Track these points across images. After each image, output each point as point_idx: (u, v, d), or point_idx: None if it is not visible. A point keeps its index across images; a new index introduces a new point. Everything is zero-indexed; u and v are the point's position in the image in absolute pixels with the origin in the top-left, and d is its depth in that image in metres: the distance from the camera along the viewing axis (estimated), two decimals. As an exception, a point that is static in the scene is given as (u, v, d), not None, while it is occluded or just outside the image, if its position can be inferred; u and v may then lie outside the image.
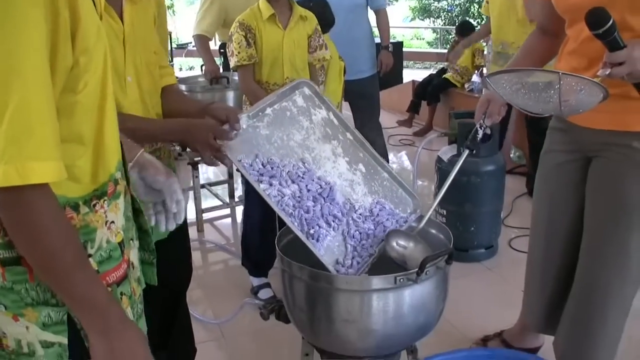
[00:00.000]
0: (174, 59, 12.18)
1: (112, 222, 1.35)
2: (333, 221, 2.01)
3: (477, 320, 3.33)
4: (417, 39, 21.09)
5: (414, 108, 7.86)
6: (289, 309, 2.12)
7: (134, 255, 1.52)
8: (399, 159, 6.89)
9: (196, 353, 2.72)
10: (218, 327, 3.43)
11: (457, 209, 4.08)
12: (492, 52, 5.40)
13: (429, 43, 20.15)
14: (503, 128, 5.33)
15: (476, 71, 7.44)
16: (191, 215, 4.75)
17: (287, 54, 3.46)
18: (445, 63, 7.97)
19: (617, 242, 2.21)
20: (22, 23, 1.07)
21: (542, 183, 2.56)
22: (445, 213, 4.14)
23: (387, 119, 7.34)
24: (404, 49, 9.52)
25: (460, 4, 19.44)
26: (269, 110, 2.08)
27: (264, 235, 3.54)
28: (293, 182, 1.99)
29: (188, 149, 4.44)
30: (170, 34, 11.83)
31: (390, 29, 5.55)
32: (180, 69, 13.84)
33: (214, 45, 7.01)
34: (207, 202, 5.29)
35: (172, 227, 1.81)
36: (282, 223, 2.00)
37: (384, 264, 2.01)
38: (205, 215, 5.01)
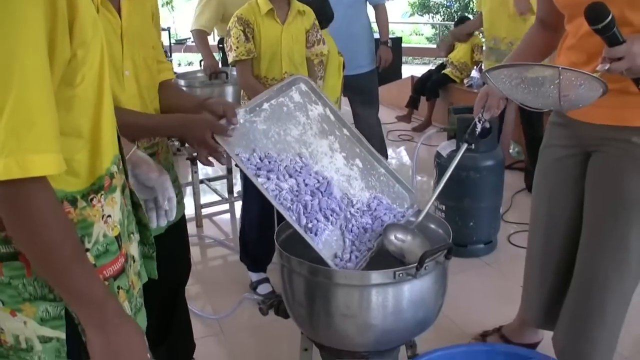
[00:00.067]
0: (173, 55, 12.18)
1: (109, 215, 1.35)
2: (331, 215, 2.01)
3: (476, 316, 3.33)
4: (416, 34, 21.08)
5: (413, 103, 7.86)
6: (288, 304, 2.11)
7: (133, 249, 1.52)
8: (398, 155, 6.88)
9: (195, 348, 2.73)
10: (217, 322, 3.43)
11: (456, 204, 4.08)
12: (485, 48, 5.41)
13: (427, 39, 20.14)
14: (499, 123, 5.34)
15: (475, 67, 7.43)
16: (190, 211, 4.74)
17: (285, 48, 3.45)
18: (445, 59, 7.96)
19: (616, 237, 2.21)
20: (22, 16, 1.07)
21: (542, 178, 2.56)
22: (444, 208, 4.14)
23: (386, 115, 7.33)
24: (403, 45, 9.55)
25: (459, -1, 19.45)
26: (265, 106, 2.08)
27: (262, 230, 3.54)
28: (290, 176, 1.99)
29: (187, 144, 4.44)
30: (169, 29, 11.86)
31: (389, 24, 5.55)
32: (179, 65, 13.84)
33: (213, 40, 7.00)
34: (206, 197, 5.28)
35: (163, 223, 1.83)
36: (281, 218, 2.00)
37: (383, 258, 2.01)
38: (204, 211, 5.00)
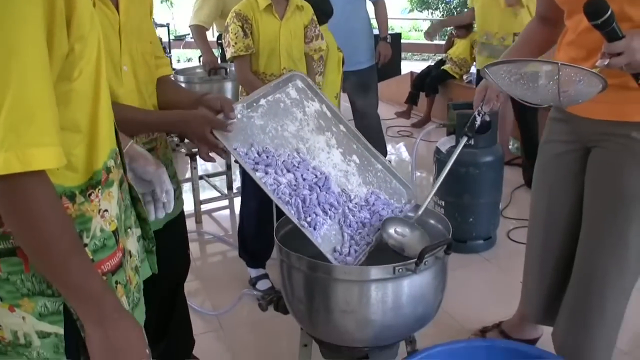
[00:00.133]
0: (172, 51, 12.16)
1: (106, 210, 1.35)
2: (330, 209, 2.01)
3: (476, 312, 3.33)
4: (416, 30, 21.03)
5: (412, 99, 7.85)
6: (288, 300, 2.11)
7: (131, 243, 1.52)
8: (397, 150, 6.88)
9: (195, 344, 2.73)
10: (216, 318, 3.43)
11: (456, 200, 4.08)
12: (477, 43, 5.42)
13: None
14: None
15: (474, 63, 7.43)
16: (189, 207, 4.74)
17: (284, 44, 3.44)
18: (444, 55, 7.96)
19: (615, 232, 2.21)
20: (20, 11, 1.06)
21: (541, 173, 2.55)
22: (443, 204, 4.14)
23: (385, 111, 7.34)
24: (402, 41, 9.53)
25: (458, -5, 19.42)
26: (262, 101, 2.09)
27: (260, 226, 3.54)
28: (288, 171, 1.99)
29: (186, 140, 4.44)
30: (168, 25, 11.84)
31: (389, 20, 5.55)
32: (178, 61, 13.82)
33: (212, 36, 6.99)
34: (206, 193, 5.28)
35: (162, 215, 1.84)
36: (280, 214, 2.00)
37: (382, 253, 2.01)
38: (204, 207, 5.00)
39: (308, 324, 2.12)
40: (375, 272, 1.87)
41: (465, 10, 8.24)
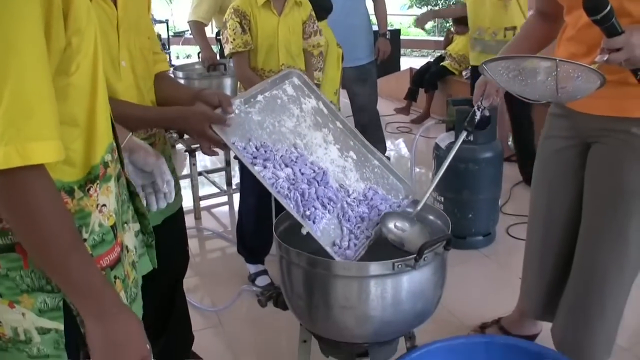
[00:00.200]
0: (171, 47, 12.17)
1: (104, 205, 1.35)
2: (328, 204, 2.00)
3: (475, 308, 3.34)
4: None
5: (411, 95, 7.86)
6: (287, 296, 2.11)
7: (128, 238, 1.52)
8: (396, 147, 6.88)
9: (194, 340, 2.73)
10: (216, 314, 3.43)
11: (455, 196, 4.08)
12: (470, 39, 5.42)
13: (426, 31, 20.09)
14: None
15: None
16: (188, 203, 4.75)
17: (282, 40, 3.43)
18: (443, 51, 7.96)
19: (615, 228, 2.21)
20: (19, 5, 1.06)
21: (541, 169, 2.55)
22: (442, 200, 4.14)
23: (384, 107, 7.33)
24: (402, 37, 9.54)
25: (457, -9, 19.41)
26: (260, 97, 2.09)
27: (259, 222, 3.54)
28: (287, 165, 1.99)
29: (185, 136, 4.44)
30: (167, 21, 11.83)
31: (388, 16, 5.55)
32: (178, 57, 13.83)
33: (211, 32, 6.98)
34: (205, 189, 5.27)
35: (163, 205, 1.85)
36: (279, 210, 2.00)
37: (380, 248, 2.01)
38: (203, 203, 5.00)
39: (307, 320, 2.12)
40: (374, 268, 1.87)
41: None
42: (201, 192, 4.99)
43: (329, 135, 2.18)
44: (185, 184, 5.02)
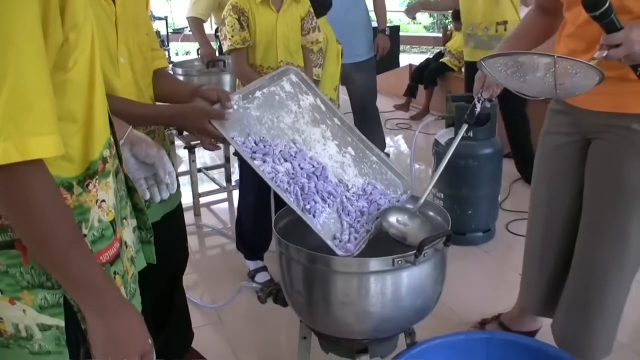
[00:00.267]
0: (170, 44, 12.15)
1: (103, 200, 1.35)
2: (328, 198, 2.01)
3: (475, 304, 3.34)
4: (414, 23, 21.01)
5: (411, 92, 7.86)
6: (287, 292, 2.11)
7: (127, 234, 1.52)
8: (396, 143, 6.88)
9: (194, 337, 2.73)
10: (215, 311, 3.43)
11: (455, 192, 4.08)
12: (464, 35, 5.42)
13: (425, 27, 20.08)
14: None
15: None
16: (188, 200, 4.75)
17: (280, 37, 3.43)
18: (442, 47, 7.96)
19: (615, 224, 2.21)
20: (17, 0, 1.06)
21: (541, 165, 2.55)
22: (442, 197, 4.14)
23: (384, 103, 7.33)
24: (401, 33, 9.52)
25: (457, -12, 19.33)
26: (258, 94, 2.10)
27: (258, 218, 3.54)
28: (286, 160, 2.00)
29: (185, 132, 4.44)
30: (166, 18, 11.82)
31: (387, 13, 5.55)
32: (177, 54, 13.81)
33: (210, 29, 6.97)
34: (204, 186, 5.28)
35: (166, 196, 1.86)
36: (278, 206, 2.00)
37: (381, 242, 2.01)
38: (202, 200, 5.00)
39: (307, 316, 2.12)
40: (374, 264, 1.87)
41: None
42: (201, 189, 5.00)
43: (327, 132, 2.19)
44: (184, 180, 5.03)
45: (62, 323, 1.29)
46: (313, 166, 2.04)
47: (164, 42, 11.39)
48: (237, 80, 3.59)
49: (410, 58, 10.15)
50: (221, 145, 2.03)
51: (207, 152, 6.17)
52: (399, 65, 8.64)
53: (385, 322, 1.98)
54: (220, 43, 5.42)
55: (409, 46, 14.29)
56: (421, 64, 7.96)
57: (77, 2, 1.19)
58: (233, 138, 1.94)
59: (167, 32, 11.94)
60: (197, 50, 5.30)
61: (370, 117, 5.23)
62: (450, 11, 7.51)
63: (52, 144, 1.10)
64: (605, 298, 2.30)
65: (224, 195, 5.30)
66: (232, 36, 3.34)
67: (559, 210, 2.47)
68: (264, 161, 1.94)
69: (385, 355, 2.18)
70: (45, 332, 1.29)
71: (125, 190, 1.54)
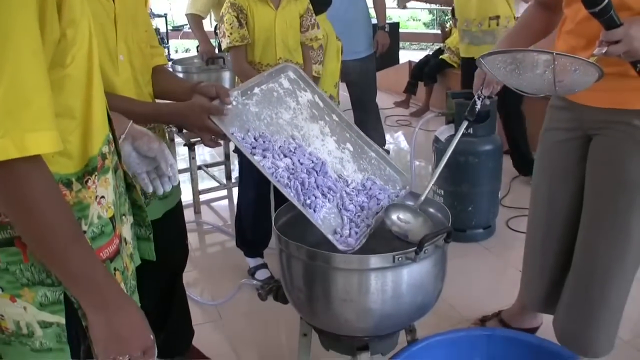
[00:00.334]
0: (170, 41, 12.14)
1: (102, 197, 1.35)
2: (328, 193, 2.01)
3: (475, 301, 3.34)
4: (414, 20, 20.98)
5: (410, 89, 7.85)
6: (287, 289, 2.11)
7: (126, 231, 1.52)
8: (396, 140, 6.88)
9: (194, 335, 2.73)
10: (215, 308, 3.43)
11: (455, 189, 4.08)
12: (459, 31, 5.42)
13: (425, 24, 20.07)
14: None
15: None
16: (188, 197, 4.74)
17: (279, 34, 3.43)
18: (442, 44, 7.95)
19: (617, 221, 2.21)
20: None
21: (542, 161, 2.55)
22: (442, 193, 4.14)
23: (384, 100, 7.32)
24: (401, 30, 9.53)
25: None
26: (257, 90, 2.10)
27: (258, 216, 3.54)
28: (285, 156, 2.00)
29: (185, 130, 4.43)
30: (165, 15, 11.81)
31: (387, 9, 5.54)
32: (176, 51, 13.79)
33: (209, 26, 6.96)
34: (204, 183, 5.28)
35: (169, 188, 1.87)
36: (277, 203, 2.00)
37: (380, 238, 2.01)
38: (202, 197, 4.99)
39: (307, 314, 2.12)
40: (374, 260, 1.87)
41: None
42: (201, 186, 4.99)
43: (325, 128, 2.19)
44: (184, 177, 5.02)
45: (62, 320, 1.29)
46: (312, 162, 2.04)
47: (163, 39, 11.39)
48: (236, 77, 3.59)
49: (409, 55, 10.15)
50: (221, 141, 2.02)
51: (207, 149, 6.18)
52: (398, 62, 8.65)
53: (385, 319, 1.98)
54: (219, 40, 5.42)
55: (408, 43, 14.30)
56: (421, 60, 7.94)
57: None
58: (233, 134, 1.94)
59: (167, 30, 11.94)
60: (197, 47, 5.29)
61: (370, 113, 5.23)
62: (449, 8, 7.50)
63: (50, 140, 1.09)
64: (606, 294, 2.30)
65: (224, 192, 5.30)
66: (230, 34, 3.34)
67: (559, 207, 2.47)
68: (264, 157, 1.95)
69: (386, 353, 2.18)
70: (46, 330, 1.29)
71: (124, 186, 1.54)
